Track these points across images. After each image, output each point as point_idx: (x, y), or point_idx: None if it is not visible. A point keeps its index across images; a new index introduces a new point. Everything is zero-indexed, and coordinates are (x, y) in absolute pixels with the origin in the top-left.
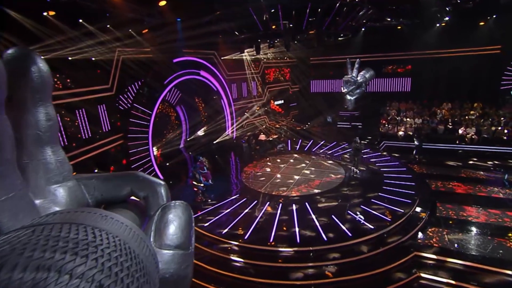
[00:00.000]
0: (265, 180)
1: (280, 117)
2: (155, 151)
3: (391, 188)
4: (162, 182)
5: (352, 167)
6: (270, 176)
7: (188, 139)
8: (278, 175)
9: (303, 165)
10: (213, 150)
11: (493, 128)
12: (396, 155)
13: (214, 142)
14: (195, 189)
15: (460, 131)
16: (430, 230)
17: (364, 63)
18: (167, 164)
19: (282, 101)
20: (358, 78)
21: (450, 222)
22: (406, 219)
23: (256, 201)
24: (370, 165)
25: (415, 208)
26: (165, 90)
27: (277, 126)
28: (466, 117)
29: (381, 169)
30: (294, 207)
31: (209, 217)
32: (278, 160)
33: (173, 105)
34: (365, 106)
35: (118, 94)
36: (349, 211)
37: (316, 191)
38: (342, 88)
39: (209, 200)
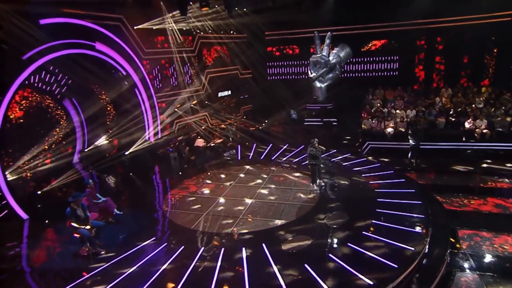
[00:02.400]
0: (201, 208)
1: (227, 113)
2: (11, 173)
3: (390, 211)
4: None
5: (312, 183)
6: (209, 202)
7: (85, 150)
8: (221, 200)
9: (259, 181)
10: (125, 165)
11: (509, 119)
12: (385, 159)
13: (127, 152)
14: (77, 235)
15: (467, 125)
16: (459, 277)
17: (338, 38)
18: (39, 192)
19: (229, 92)
20: (330, 58)
21: (484, 261)
22: (419, 262)
23: (183, 247)
24: (354, 177)
25: (429, 242)
26: (26, 70)
27: (223, 126)
28: (473, 105)
29: (371, 182)
30: (244, 253)
31: (97, 285)
32: (223, 176)
33: (56, 98)
34: (341, 96)
35: None
36: (331, 255)
37: (278, 222)
38: (309, 72)
39: (102, 253)
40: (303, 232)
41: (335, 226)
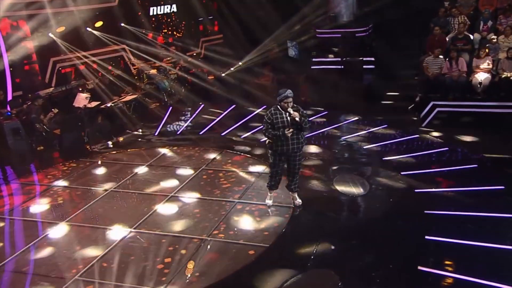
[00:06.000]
0: None
1: (166, 50)
2: None
3: (466, 279)
4: None
5: (269, 188)
6: (26, 237)
7: None
8: (61, 229)
9: (173, 182)
10: None
11: None
12: (467, 138)
13: None
14: None
15: None
16: None
17: None
18: None
19: (174, 8)
20: None
21: None
22: None
23: None
24: (381, 176)
25: None
26: None
27: (153, 72)
28: None
29: (418, 190)
30: None
31: None
32: (100, 171)
33: None
34: (385, 12)
35: None
36: None
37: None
38: None
39: None
40: None
41: None
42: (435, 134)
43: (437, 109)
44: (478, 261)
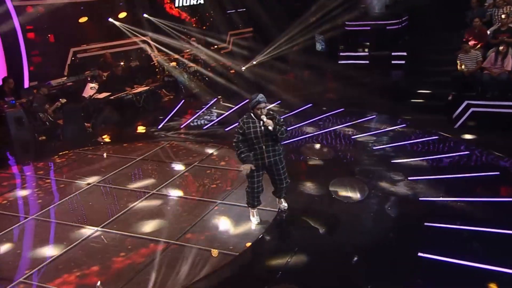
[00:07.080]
0: None
1: (188, 43)
2: None
3: None
4: None
5: (249, 207)
6: None
7: None
8: (28, 224)
9: (161, 178)
10: None
11: None
12: (502, 143)
13: None
14: None
15: None
16: None
17: None
18: None
19: (201, 0)
20: None
21: None
22: None
23: None
24: (384, 182)
25: None
26: None
27: (172, 65)
28: None
29: (422, 199)
30: None
31: None
32: (94, 165)
33: None
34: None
35: None
36: None
37: None
38: None
39: None
40: None
41: None
42: (467, 136)
43: (471, 109)
44: (476, 287)
